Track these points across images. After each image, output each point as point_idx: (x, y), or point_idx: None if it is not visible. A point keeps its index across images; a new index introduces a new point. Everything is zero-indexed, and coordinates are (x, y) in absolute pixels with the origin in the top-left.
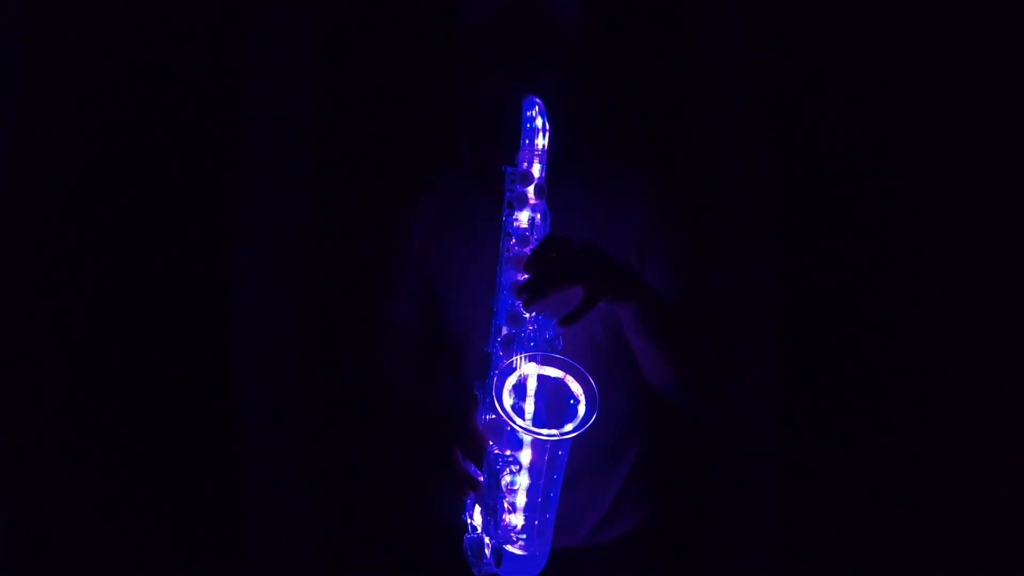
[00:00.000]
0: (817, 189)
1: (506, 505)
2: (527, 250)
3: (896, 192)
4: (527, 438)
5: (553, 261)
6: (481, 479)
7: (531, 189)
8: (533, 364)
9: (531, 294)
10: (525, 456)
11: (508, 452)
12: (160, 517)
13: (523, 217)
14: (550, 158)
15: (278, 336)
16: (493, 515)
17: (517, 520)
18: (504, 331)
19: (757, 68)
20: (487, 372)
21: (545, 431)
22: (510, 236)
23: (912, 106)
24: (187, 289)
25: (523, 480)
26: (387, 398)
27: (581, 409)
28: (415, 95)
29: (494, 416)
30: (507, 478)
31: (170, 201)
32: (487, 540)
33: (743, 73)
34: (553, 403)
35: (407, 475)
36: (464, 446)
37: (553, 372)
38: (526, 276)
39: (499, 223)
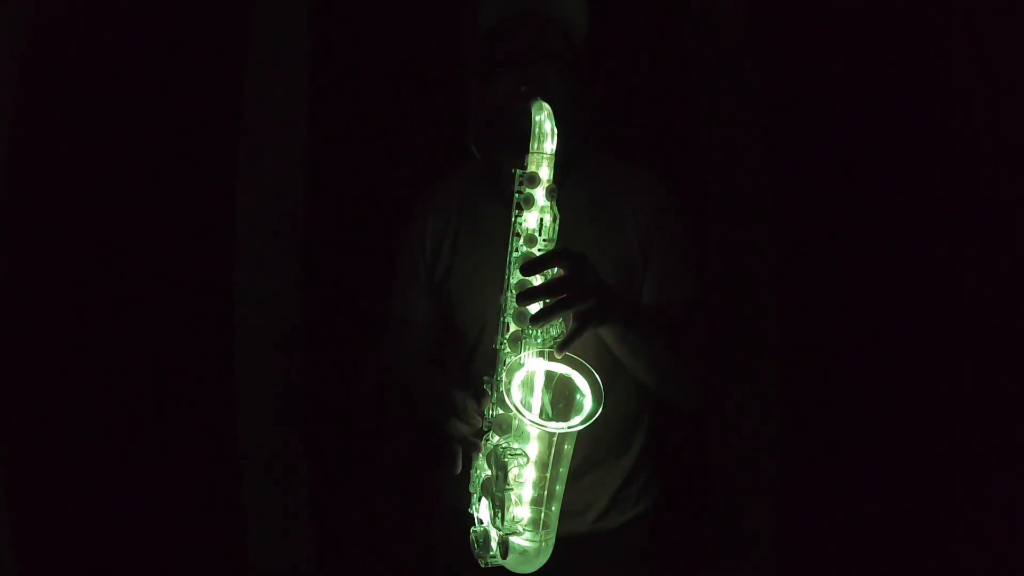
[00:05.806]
0: (816, 189)
1: (512, 498)
2: (535, 250)
3: (895, 190)
4: (534, 432)
5: (550, 289)
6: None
7: (539, 191)
8: (540, 360)
9: (539, 321)
10: (532, 449)
11: (516, 445)
12: (173, 493)
13: (531, 218)
14: (558, 160)
15: (289, 333)
16: (500, 508)
17: (523, 512)
18: (512, 328)
19: (756, 71)
20: (495, 368)
21: (552, 424)
22: (518, 237)
23: (909, 106)
24: (194, 290)
25: (530, 473)
26: (399, 393)
27: (587, 403)
28: (430, 96)
29: (502, 411)
30: (514, 471)
31: (175, 201)
32: (493, 532)
33: (742, 76)
34: (559, 397)
35: (417, 466)
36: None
37: (559, 368)
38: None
39: (510, 223)
